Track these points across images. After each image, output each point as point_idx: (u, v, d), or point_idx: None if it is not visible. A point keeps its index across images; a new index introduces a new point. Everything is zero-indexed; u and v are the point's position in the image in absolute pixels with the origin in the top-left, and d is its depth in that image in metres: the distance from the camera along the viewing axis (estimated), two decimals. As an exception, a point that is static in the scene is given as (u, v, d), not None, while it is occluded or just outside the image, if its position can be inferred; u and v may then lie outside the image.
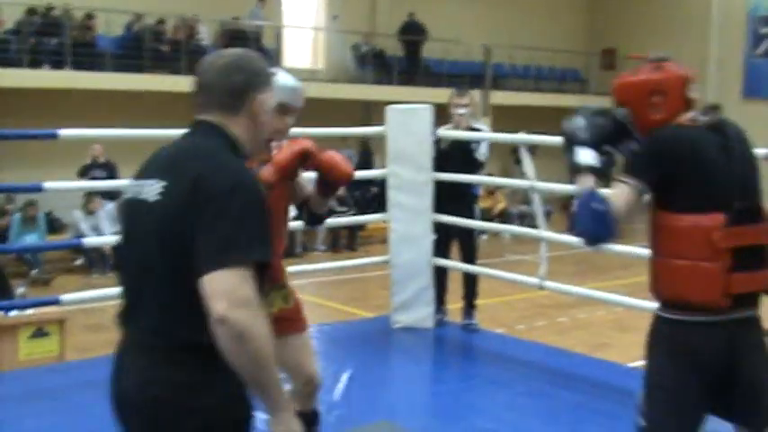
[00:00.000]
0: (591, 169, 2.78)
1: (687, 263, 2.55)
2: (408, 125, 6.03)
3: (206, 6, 14.64)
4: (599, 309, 8.48)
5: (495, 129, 11.69)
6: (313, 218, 3.31)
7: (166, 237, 1.89)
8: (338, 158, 3.13)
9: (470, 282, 6.33)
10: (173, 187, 1.91)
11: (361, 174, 5.92)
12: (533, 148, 5.83)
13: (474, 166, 6.16)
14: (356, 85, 16.00)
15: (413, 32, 17.07)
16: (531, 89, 19.35)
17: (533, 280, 5.62)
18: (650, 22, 20.12)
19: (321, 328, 6.17)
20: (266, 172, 2.94)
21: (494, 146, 7.18)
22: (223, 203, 1.84)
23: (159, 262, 1.91)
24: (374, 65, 16.80)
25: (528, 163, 5.51)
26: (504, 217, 14.58)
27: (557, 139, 6.30)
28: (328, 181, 3.15)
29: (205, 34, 14.75)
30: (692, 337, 2.57)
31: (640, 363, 6.80)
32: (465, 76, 16.80)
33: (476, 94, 6.72)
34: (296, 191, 3.25)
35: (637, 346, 7.54)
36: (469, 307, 6.32)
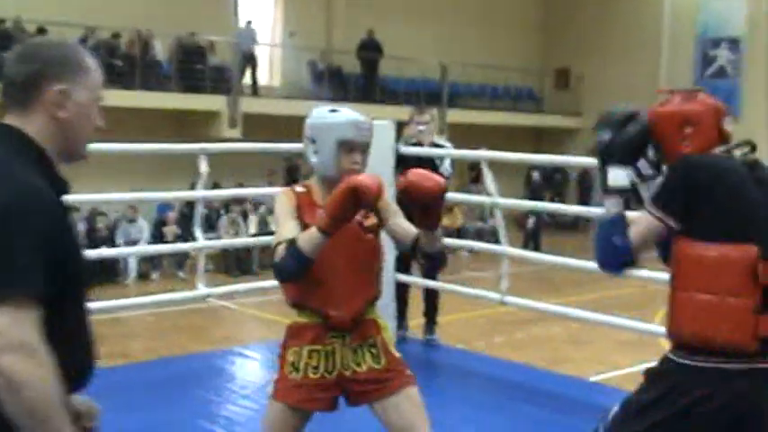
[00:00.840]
0: (620, 191, 2.62)
1: (713, 298, 2.35)
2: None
3: (161, 21, 14.56)
4: (555, 324, 8.56)
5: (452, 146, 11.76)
6: (431, 261, 2.86)
7: None
8: (416, 177, 2.68)
9: (432, 297, 6.35)
10: None
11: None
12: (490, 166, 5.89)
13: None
14: (312, 102, 16.00)
15: (370, 50, 17.16)
16: (487, 108, 19.55)
17: (495, 295, 5.66)
18: (603, 42, 20.45)
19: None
20: (318, 216, 2.68)
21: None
22: None
23: None
24: (331, 82, 16.84)
25: (489, 179, 5.56)
26: (460, 234, 14.65)
27: (515, 156, 6.39)
28: (420, 207, 2.69)
29: (160, 49, 14.66)
30: (705, 384, 2.36)
31: (599, 377, 6.84)
32: (421, 94, 16.92)
33: (434, 112, 6.77)
34: (394, 234, 2.92)
35: (593, 360, 7.59)
36: (431, 323, 6.35)
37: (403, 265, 6.18)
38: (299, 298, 2.88)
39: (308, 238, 2.64)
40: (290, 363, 2.86)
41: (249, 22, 15.95)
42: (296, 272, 2.68)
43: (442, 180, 2.69)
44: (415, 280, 6.33)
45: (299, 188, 2.94)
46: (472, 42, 19.48)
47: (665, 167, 2.57)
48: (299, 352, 2.85)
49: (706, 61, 19.31)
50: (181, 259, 12.18)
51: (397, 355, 2.98)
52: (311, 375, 2.83)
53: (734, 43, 18.86)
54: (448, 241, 9.40)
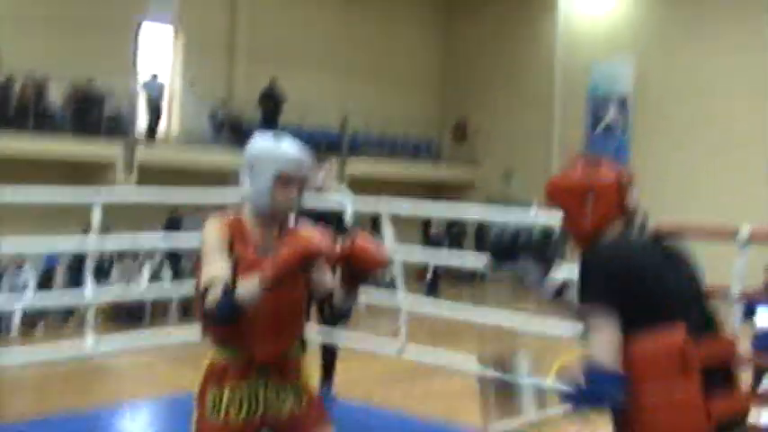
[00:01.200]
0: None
1: (660, 399, 2.21)
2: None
3: (57, 66, 14.22)
4: (453, 376, 8.57)
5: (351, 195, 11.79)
6: (336, 316, 2.93)
7: None
8: (370, 246, 2.74)
9: (330, 350, 6.27)
10: None
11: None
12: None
13: (343, 232, 6.18)
14: (212, 152, 15.86)
15: (271, 99, 17.15)
16: (387, 158, 19.74)
17: (393, 348, 5.63)
18: (499, 96, 21.00)
19: (174, 399, 5.95)
20: (265, 267, 2.59)
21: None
22: None
23: None
24: (231, 131, 16.72)
25: (388, 230, 5.56)
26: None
27: (414, 207, 6.42)
28: (358, 272, 2.77)
29: (55, 95, 14.31)
30: None
31: (498, 428, 6.86)
32: (322, 144, 16.96)
33: (334, 162, 6.78)
34: (314, 284, 2.91)
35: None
36: (328, 377, 6.26)
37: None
38: (225, 335, 2.78)
39: (249, 289, 2.57)
40: (210, 405, 2.76)
41: (155, 75, 15.84)
42: (230, 319, 2.61)
43: (388, 254, 2.72)
44: (314, 333, 6.25)
45: (229, 216, 2.84)
46: (372, 94, 19.70)
47: (573, 257, 2.51)
48: (218, 393, 2.76)
49: (596, 118, 20.02)
50: (69, 310, 11.75)
51: (318, 396, 2.97)
52: (234, 416, 2.76)
53: (622, 102, 19.62)
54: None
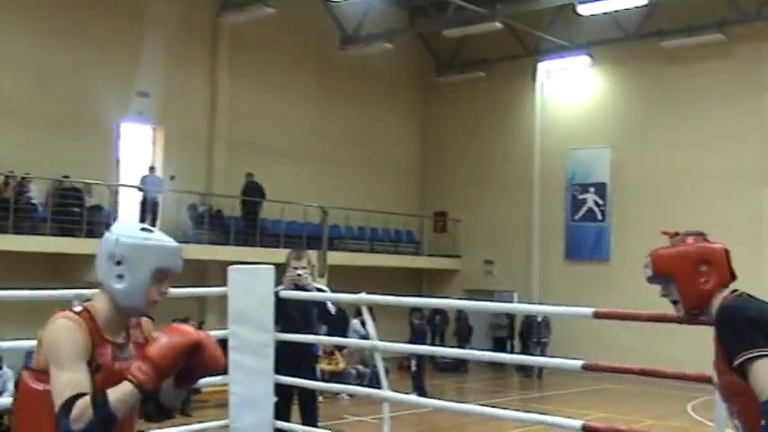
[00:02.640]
0: None
1: None
2: (250, 285, 5.99)
3: (36, 164, 14.32)
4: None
5: (333, 289, 11.79)
6: (161, 412, 2.58)
7: None
8: (218, 348, 2.52)
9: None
10: None
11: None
12: (371, 308, 5.91)
13: (330, 323, 6.20)
14: (192, 245, 15.87)
15: (252, 193, 17.27)
16: (367, 250, 19.79)
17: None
18: (478, 186, 21.25)
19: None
20: (139, 369, 2.31)
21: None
22: None
23: None
24: (211, 224, 16.78)
25: (369, 322, 5.57)
26: (341, 377, 14.49)
27: (395, 299, 6.45)
28: (197, 372, 2.51)
29: (35, 192, 14.37)
30: None
31: None
32: (302, 237, 17.02)
33: (312, 254, 6.80)
34: None
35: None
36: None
37: (283, 412, 6.05)
38: None
39: (125, 399, 2.28)
40: None
41: (152, 168, 16.04)
42: None
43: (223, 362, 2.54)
44: (296, 428, 6.18)
45: (79, 313, 2.43)
46: (353, 186, 19.87)
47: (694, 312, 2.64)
48: None
49: (575, 205, 20.25)
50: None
51: None
52: None
53: (600, 188, 19.89)
54: (330, 386, 9.33)
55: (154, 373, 2.28)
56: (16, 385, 2.46)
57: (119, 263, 2.44)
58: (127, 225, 2.55)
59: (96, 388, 2.31)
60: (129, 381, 2.29)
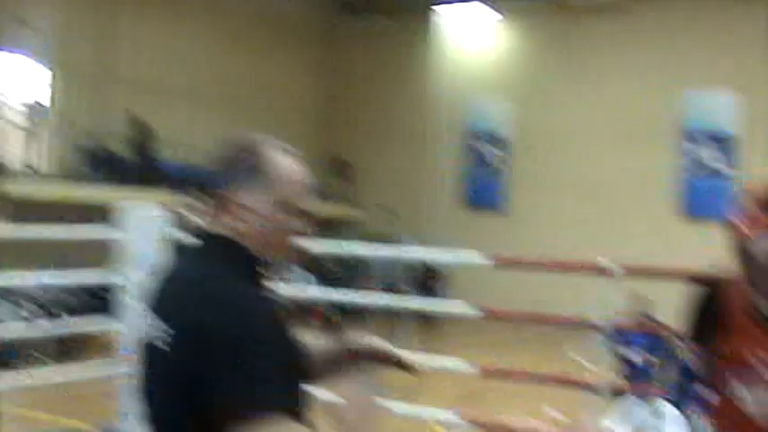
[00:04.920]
0: None
1: None
2: (144, 227, 5.80)
3: None
4: None
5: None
6: None
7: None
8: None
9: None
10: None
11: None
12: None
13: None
14: (83, 186, 15.30)
15: (140, 133, 16.71)
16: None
17: None
18: (376, 134, 21.14)
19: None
20: None
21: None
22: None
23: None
24: (106, 165, 16.17)
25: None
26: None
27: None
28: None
29: None
30: None
31: None
32: (193, 180, 16.58)
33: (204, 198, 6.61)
34: None
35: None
36: None
37: None
38: None
39: None
40: None
41: (37, 102, 15.19)
42: None
43: None
44: None
45: None
46: (245, 129, 19.44)
47: None
48: None
49: (475, 155, 20.40)
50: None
51: None
52: None
53: (501, 141, 20.06)
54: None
55: None
56: None
57: None
58: None
59: None
60: None
